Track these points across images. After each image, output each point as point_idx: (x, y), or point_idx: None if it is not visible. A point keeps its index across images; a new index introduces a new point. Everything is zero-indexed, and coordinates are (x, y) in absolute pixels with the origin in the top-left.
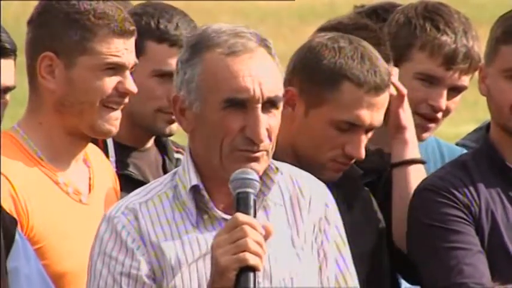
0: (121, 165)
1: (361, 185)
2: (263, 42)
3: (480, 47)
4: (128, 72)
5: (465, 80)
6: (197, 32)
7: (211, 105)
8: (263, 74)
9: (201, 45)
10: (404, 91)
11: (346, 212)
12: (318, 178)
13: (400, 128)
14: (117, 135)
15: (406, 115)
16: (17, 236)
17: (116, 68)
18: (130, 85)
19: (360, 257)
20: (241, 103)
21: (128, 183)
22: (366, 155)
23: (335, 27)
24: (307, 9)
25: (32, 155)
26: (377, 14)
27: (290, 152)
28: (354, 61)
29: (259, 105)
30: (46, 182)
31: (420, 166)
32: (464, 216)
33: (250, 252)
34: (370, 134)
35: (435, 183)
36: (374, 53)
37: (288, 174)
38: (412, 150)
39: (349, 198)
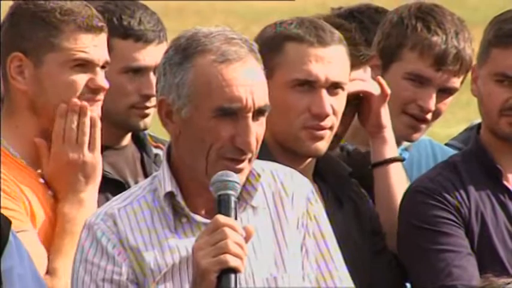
0: None
1: (351, 182)
2: (251, 48)
3: (473, 49)
4: (98, 69)
5: (455, 82)
6: (186, 34)
7: (201, 112)
8: (254, 82)
9: (192, 49)
10: (388, 91)
11: (337, 210)
12: (304, 155)
13: (380, 127)
14: None
15: (386, 114)
16: (10, 237)
17: (85, 65)
18: (101, 81)
19: (356, 255)
20: (232, 112)
21: (103, 183)
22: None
23: None
24: (301, 9)
25: (13, 158)
26: (353, 15)
27: (274, 144)
28: (292, 24)
29: (250, 114)
30: (33, 183)
31: (399, 164)
32: (454, 219)
33: (231, 254)
34: (341, 96)
35: (425, 185)
36: (319, 20)
37: (270, 171)
38: (391, 148)
39: (339, 196)
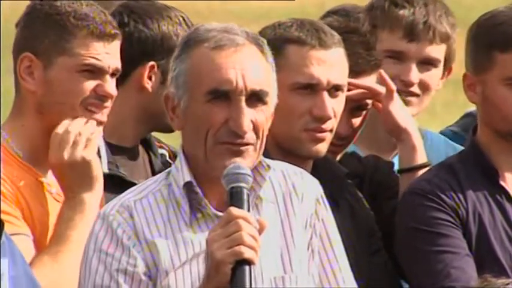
0: (111, 166)
1: (347, 183)
2: (255, 41)
3: (453, 24)
4: (107, 76)
5: (432, 51)
6: (190, 30)
7: (196, 98)
8: (248, 66)
9: (190, 42)
10: (394, 87)
11: (333, 211)
12: (304, 156)
13: (400, 130)
14: (118, 136)
15: (402, 114)
16: (3, 238)
17: (95, 71)
18: (110, 88)
19: (352, 256)
20: (224, 95)
21: (120, 184)
22: (343, 159)
23: None
24: (299, 10)
25: (15, 157)
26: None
27: (273, 144)
28: (293, 26)
29: (243, 97)
30: (33, 182)
31: (427, 169)
32: (452, 220)
33: (245, 246)
34: (340, 98)
35: (422, 186)
36: (318, 22)
37: (281, 171)
38: (420, 154)
39: (335, 197)
